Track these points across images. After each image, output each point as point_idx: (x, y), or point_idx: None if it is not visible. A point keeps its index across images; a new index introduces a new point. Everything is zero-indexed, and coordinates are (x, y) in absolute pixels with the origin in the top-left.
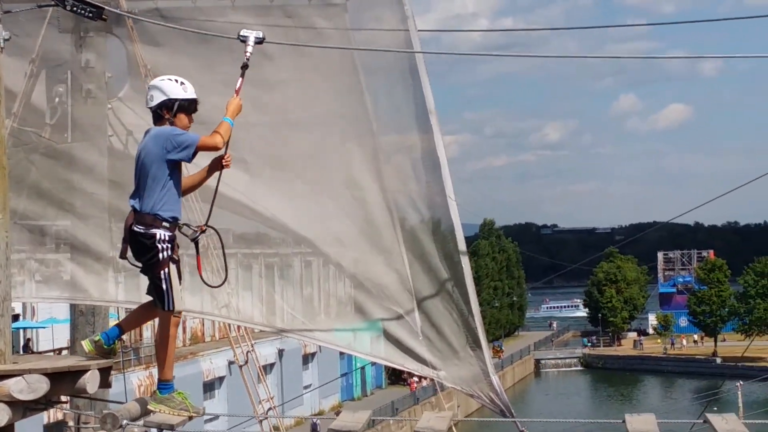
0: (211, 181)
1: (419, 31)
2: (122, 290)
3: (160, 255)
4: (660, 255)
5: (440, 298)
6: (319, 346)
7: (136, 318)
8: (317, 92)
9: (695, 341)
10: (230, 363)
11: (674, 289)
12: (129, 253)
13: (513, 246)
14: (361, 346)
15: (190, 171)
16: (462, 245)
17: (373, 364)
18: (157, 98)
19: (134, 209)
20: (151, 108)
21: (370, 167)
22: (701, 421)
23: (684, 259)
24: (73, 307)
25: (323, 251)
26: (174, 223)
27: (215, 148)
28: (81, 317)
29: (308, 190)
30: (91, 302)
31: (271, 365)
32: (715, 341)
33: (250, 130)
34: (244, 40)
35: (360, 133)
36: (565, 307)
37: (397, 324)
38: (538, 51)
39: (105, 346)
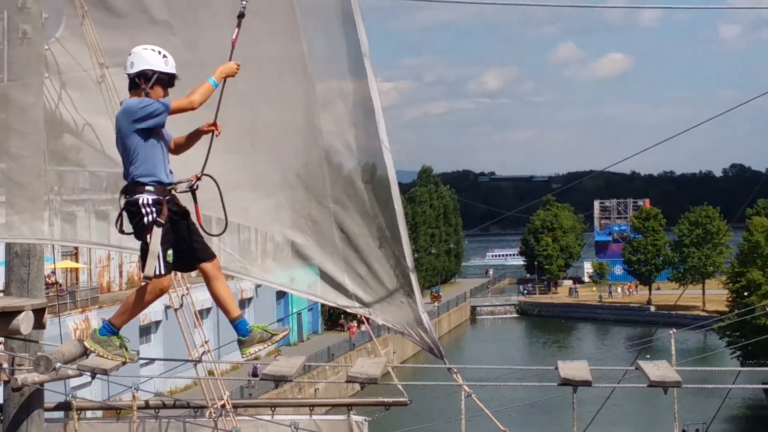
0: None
1: None
2: (57, 230)
3: (145, 219)
4: (596, 203)
5: (375, 243)
6: (256, 291)
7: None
8: (253, 33)
9: (627, 289)
10: (167, 307)
11: (610, 238)
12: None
13: (450, 193)
14: (298, 285)
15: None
16: (396, 191)
17: (310, 309)
18: (137, 66)
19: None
20: (129, 74)
21: (307, 111)
22: (633, 368)
23: (620, 208)
24: (8, 249)
25: (259, 196)
26: (159, 187)
27: (190, 109)
28: (16, 259)
29: (242, 134)
30: (23, 240)
31: (208, 310)
32: (650, 289)
33: (184, 68)
34: None
35: (297, 77)
36: (510, 255)
37: (332, 264)
38: None
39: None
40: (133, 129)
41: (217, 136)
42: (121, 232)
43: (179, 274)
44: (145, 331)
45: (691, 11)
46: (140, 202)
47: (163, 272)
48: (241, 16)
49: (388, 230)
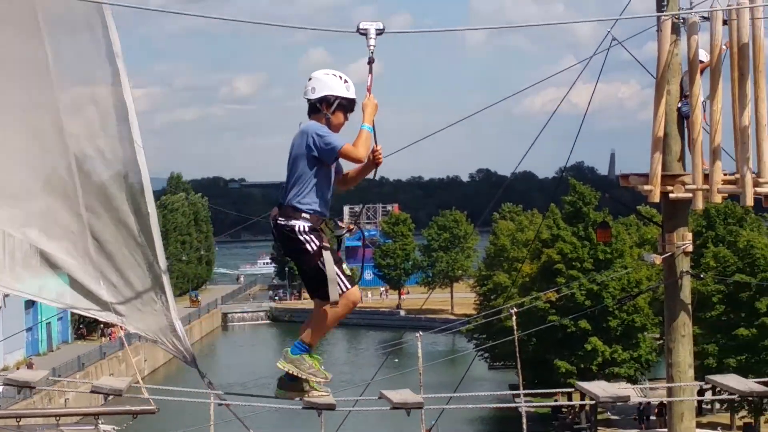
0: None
1: None
2: None
3: (308, 247)
4: (346, 208)
5: (129, 249)
6: (4, 300)
7: (316, 319)
8: None
9: (381, 294)
10: None
11: (360, 243)
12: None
13: (201, 200)
14: (48, 294)
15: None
16: (150, 196)
17: (60, 318)
18: (319, 91)
19: (279, 203)
20: (309, 99)
21: (54, 117)
22: (377, 397)
23: (369, 213)
24: None
25: (7, 202)
26: (315, 216)
27: (357, 161)
28: None
29: None
30: None
31: None
32: (399, 294)
33: None
34: (364, 33)
35: (43, 82)
36: None
37: (84, 272)
38: (226, 5)
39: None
40: (306, 153)
41: (378, 163)
42: (279, 254)
43: None
44: None
45: (437, 18)
46: (296, 229)
47: (349, 287)
48: (371, 62)
49: (142, 236)
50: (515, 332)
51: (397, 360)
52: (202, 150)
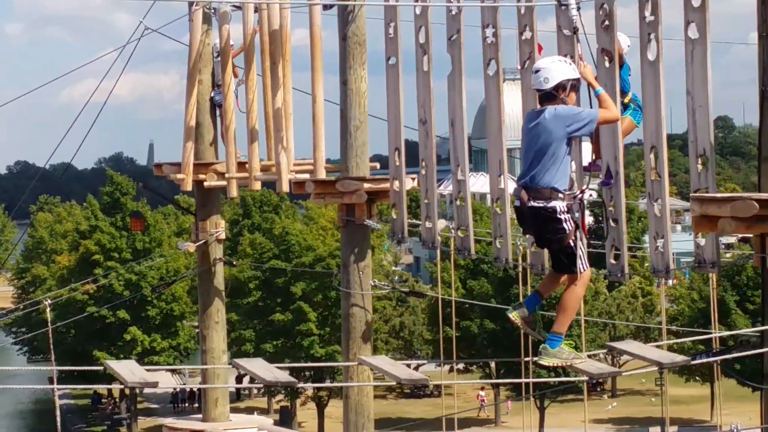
0: None
1: None
2: None
3: (566, 225)
4: None
5: None
6: None
7: (551, 283)
8: None
9: None
10: None
11: None
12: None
13: None
14: None
15: None
16: None
17: None
18: (554, 79)
19: (526, 186)
20: (544, 89)
21: None
22: None
23: None
24: None
25: None
26: (570, 195)
27: (614, 121)
28: None
29: None
30: None
31: None
32: None
33: None
34: (566, 5)
35: None
36: None
37: None
38: None
39: (528, 314)
40: (565, 135)
41: None
42: (525, 233)
43: None
44: None
45: None
46: (558, 209)
47: (588, 266)
48: (576, 30)
49: None
50: (49, 324)
51: None
52: None
